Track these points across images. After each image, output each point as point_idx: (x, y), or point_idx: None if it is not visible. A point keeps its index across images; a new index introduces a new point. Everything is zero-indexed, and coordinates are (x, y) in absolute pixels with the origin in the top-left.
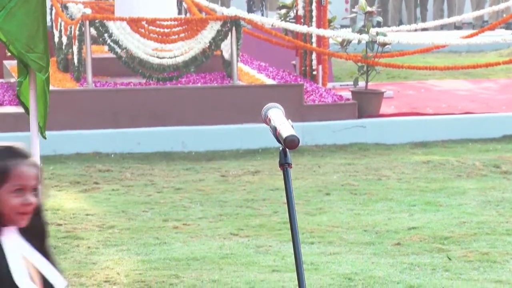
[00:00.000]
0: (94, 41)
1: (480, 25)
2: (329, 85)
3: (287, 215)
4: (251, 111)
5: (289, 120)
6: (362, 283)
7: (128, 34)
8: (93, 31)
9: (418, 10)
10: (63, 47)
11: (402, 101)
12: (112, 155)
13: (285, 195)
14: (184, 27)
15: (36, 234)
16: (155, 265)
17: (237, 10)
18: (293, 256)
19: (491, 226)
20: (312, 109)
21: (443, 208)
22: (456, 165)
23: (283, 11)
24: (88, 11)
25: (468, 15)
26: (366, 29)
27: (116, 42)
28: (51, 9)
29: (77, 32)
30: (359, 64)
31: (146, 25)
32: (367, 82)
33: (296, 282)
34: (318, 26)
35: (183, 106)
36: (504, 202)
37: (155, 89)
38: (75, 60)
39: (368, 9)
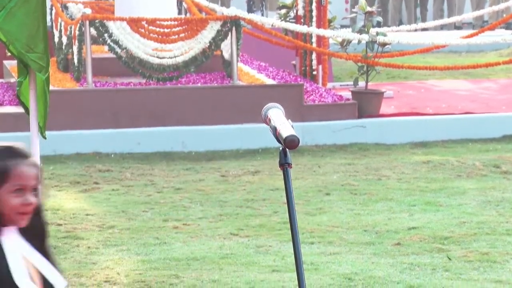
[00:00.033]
0: (94, 41)
1: (480, 25)
2: (329, 85)
3: (287, 215)
4: (251, 111)
5: (289, 120)
6: (362, 283)
7: (128, 34)
8: (93, 31)
9: (418, 10)
10: (63, 47)
11: (402, 101)
12: (112, 155)
13: (285, 195)
14: (184, 27)
15: (36, 234)
16: (155, 265)
17: (237, 10)
18: (293, 256)
19: (491, 226)
20: (312, 109)
21: (443, 208)
22: (456, 165)
23: (283, 11)
24: (88, 11)
25: (468, 15)
26: (366, 29)
27: (116, 42)
28: (51, 9)
29: (77, 32)
30: (359, 64)
31: (146, 25)
32: (367, 82)
33: (296, 282)
34: (318, 26)
35: (183, 106)
36: (504, 202)
37: (155, 89)
38: (75, 60)
39: (368, 9)
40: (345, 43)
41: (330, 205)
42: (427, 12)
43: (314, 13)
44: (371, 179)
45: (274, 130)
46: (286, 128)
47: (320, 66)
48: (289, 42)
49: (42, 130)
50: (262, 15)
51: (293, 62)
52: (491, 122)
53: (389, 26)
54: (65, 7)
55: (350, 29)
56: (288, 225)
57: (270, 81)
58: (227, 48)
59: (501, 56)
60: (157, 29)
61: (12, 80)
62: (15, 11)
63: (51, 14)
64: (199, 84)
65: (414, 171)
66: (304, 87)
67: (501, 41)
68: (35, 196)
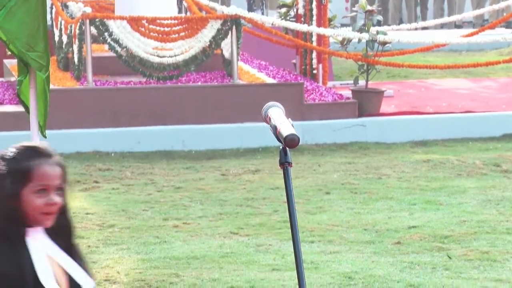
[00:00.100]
0: (95, 40)
1: (481, 24)
2: (329, 84)
3: (287, 214)
4: (251, 110)
5: (289, 119)
6: (362, 282)
7: (128, 33)
8: (93, 30)
9: (418, 8)
10: (63, 46)
11: (402, 100)
12: (112, 154)
13: (285, 194)
14: (184, 26)
15: (62, 233)
16: (155, 264)
17: (237, 9)
18: (293, 255)
19: (491, 225)
20: (312, 108)
21: (443, 207)
22: (456, 164)
23: (283, 10)
24: (88, 10)
25: (469, 14)
26: (366, 28)
27: (116, 41)
28: (51, 8)
29: (77, 31)
30: (360, 63)
31: (146, 24)
32: (367, 81)
33: (296, 281)
34: (319, 25)
35: (183, 105)
36: (504, 201)
37: (155, 88)
38: (75, 59)
39: (369, 7)
40: (345, 42)
41: (330, 204)
42: (427, 10)
43: (315, 11)
44: (371, 178)
45: (274, 129)
46: (286, 127)
47: (320, 65)
48: (289, 41)
49: (42, 129)
50: (262, 14)
51: (293, 61)
52: (491, 121)
53: (389, 25)
54: (65, 6)
55: (350, 28)
56: (288, 224)
57: (270, 80)
58: (227, 47)
59: (501, 55)
60: (157, 28)
61: (12, 79)
62: (15, 10)
63: (51, 13)
64: (199, 83)
65: (414, 170)
66: (304, 86)
67: (501, 40)
68: (59, 196)
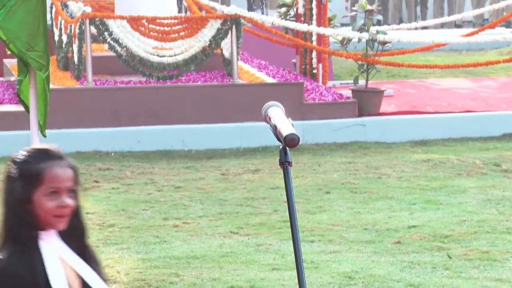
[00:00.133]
0: (94, 39)
1: (481, 23)
2: (329, 83)
3: (287, 213)
4: (251, 109)
5: (289, 118)
6: (362, 281)
7: (128, 33)
8: (93, 30)
9: (418, 8)
10: (63, 45)
11: (402, 100)
12: (112, 154)
13: (285, 193)
14: (184, 25)
15: (75, 236)
16: (155, 263)
17: (237, 8)
18: (293, 254)
19: (491, 224)
20: (312, 108)
21: (443, 206)
22: (456, 164)
23: (283, 9)
24: (88, 9)
25: (469, 13)
26: (366, 28)
27: (116, 40)
28: (51, 8)
29: (77, 31)
30: (359, 62)
31: (146, 24)
32: (367, 80)
33: (296, 281)
34: (318, 25)
35: (183, 104)
36: (504, 200)
37: (155, 88)
38: (75, 59)
39: (368, 7)
40: (345, 42)
41: (330, 203)
42: (427, 10)
43: (314, 11)
44: (371, 177)
45: (274, 129)
46: (286, 127)
47: (320, 65)
48: (289, 41)
49: (42, 129)
50: (262, 13)
51: (293, 60)
52: (491, 120)
53: (389, 25)
54: (65, 6)
55: (350, 28)
56: (288, 224)
57: (270, 80)
58: (227, 46)
59: (501, 55)
60: (157, 28)
61: (12, 78)
62: (15, 10)
63: (51, 12)
64: (199, 83)
65: (414, 169)
66: (304, 85)
67: (501, 40)
68: (71, 198)
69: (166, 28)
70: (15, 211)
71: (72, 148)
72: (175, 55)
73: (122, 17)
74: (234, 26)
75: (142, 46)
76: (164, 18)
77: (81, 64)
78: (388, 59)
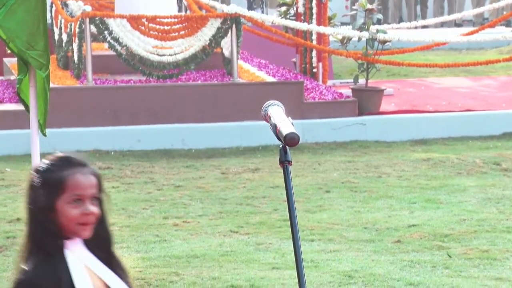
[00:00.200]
0: (94, 38)
1: (481, 22)
2: (329, 82)
3: (287, 212)
4: (251, 108)
5: (289, 117)
6: (362, 280)
7: (128, 32)
8: (93, 29)
9: (418, 7)
10: (63, 44)
11: (402, 99)
12: (112, 153)
13: (285, 192)
14: (184, 24)
15: (101, 244)
16: (155, 262)
17: (237, 7)
18: (293, 253)
19: (491, 223)
20: (312, 107)
21: (443, 205)
22: (456, 163)
23: (283, 8)
24: (88, 8)
25: (469, 12)
26: (366, 27)
27: (116, 39)
28: (51, 7)
29: (77, 30)
30: (359, 61)
31: (146, 23)
32: (367, 79)
33: (296, 280)
34: (318, 24)
35: (183, 103)
36: (504, 199)
37: (155, 87)
38: (75, 58)
39: (368, 6)
40: (345, 41)
41: (330, 202)
42: (427, 9)
43: (314, 10)
44: (371, 176)
45: (274, 128)
46: (286, 126)
47: (320, 64)
48: (289, 40)
49: (42, 128)
50: (262, 12)
51: (293, 59)
52: (491, 119)
53: (389, 24)
54: (65, 5)
55: (350, 27)
56: (288, 223)
57: (270, 79)
58: (227, 45)
59: (501, 54)
60: (157, 27)
61: (12, 77)
62: (16, 9)
63: (51, 11)
64: (199, 82)
65: (414, 168)
66: (304, 84)
67: (501, 39)
68: (95, 206)
69: (166, 27)
70: (39, 220)
71: (72, 147)
72: (175, 54)
73: (122, 16)
74: (234, 25)
75: (142, 45)
76: (164, 17)
77: (81, 63)
78: (388, 58)
